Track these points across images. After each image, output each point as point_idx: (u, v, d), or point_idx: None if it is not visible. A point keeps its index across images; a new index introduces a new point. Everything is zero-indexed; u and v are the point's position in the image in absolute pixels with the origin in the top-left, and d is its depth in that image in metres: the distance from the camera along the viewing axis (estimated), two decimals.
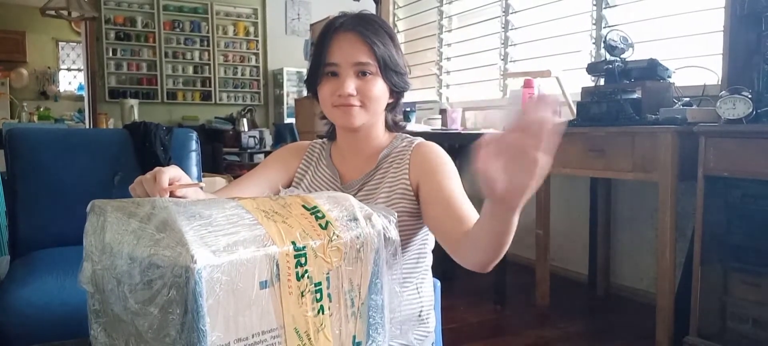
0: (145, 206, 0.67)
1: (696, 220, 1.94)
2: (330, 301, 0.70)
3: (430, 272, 1.12)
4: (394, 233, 0.77)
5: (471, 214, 0.94)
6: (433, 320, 1.13)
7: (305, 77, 1.11)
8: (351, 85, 1.00)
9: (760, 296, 1.80)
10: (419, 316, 1.08)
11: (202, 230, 0.63)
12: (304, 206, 0.73)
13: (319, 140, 1.20)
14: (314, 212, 0.72)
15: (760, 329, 1.80)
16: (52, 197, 2.01)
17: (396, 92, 1.08)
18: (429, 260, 1.11)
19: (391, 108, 1.11)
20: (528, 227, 3.16)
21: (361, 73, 1.01)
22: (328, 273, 0.69)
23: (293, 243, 0.67)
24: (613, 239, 2.89)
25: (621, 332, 2.46)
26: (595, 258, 2.88)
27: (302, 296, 0.67)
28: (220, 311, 0.60)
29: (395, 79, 1.04)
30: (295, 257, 0.66)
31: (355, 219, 0.74)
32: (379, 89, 1.02)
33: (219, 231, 0.64)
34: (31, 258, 1.85)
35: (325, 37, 1.03)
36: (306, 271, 0.67)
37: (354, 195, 1.01)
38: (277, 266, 0.64)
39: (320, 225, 0.71)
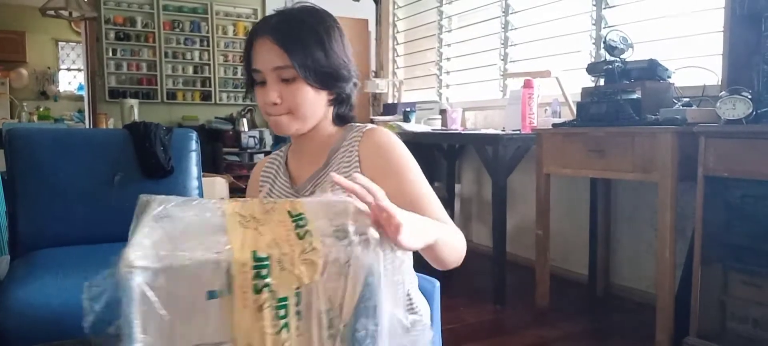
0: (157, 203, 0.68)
1: (696, 220, 1.94)
2: (299, 319, 0.63)
3: (409, 254, 1.07)
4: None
5: (435, 212, 0.96)
6: (426, 311, 1.11)
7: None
8: (273, 94, 0.97)
9: (760, 296, 1.80)
10: (409, 305, 1.06)
11: (162, 231, 0.63)
12: (289, 212, 0.68)
13: (282, 149, 1.19)
14: (297, 219, 0.67)
15: (760, 329, 1.80)
16: (52, 197, 2.01)
17: (332, 91, 1.03)
18: None
19: (337, 102, 1.06)
20: (528, 227, 3.16)
21: (286, 79, 0.97)
22: (297, 289, 0.63)
23: (254, 253, 0.61)
24: (613, 239, 2.89)
25: (621, 332, 2.46)
26: (595, 258, 2.88)
27: (260, 310, 0.61)
28: (154, 318, 0.59)
29: (324, 79, 0.99)
30: (254, 268, 0.61)
31: (345, 231, 0.65)
32: (305, 93, 0.98)
33: (180, 235, 0.62)
34: (31, 258, 1.85)
35: (247, 44, 1.01)
36: (267, 284, 0.61)
37: (307, 196, 1.00)
38: (230, 276, 0.60)
39: (298, 235, 0.64)
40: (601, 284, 2.87)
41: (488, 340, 2.37)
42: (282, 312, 0.62)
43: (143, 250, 0.60)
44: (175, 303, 0.59)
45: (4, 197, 2.21)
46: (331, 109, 1.06)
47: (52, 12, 4.19)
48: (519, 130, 2.89)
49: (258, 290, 0.61)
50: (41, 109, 7.02)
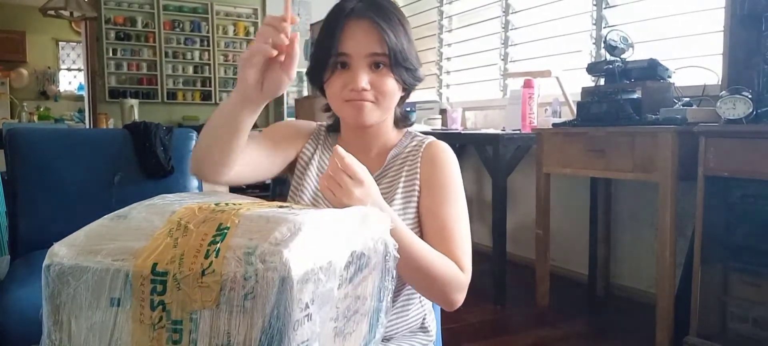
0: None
1: (696, 220, 1.94)
2: None
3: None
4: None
5: (452, 247, 0.91)
6: (434, 327, 1.12)
7: (307, 69, 0.98)
8: (365, 79, 0.90)
9: (760, 296, 1.80)
10: (422, 325, 1.07)
11: (104, 230, 0.63)
12: (219, 224, 0.62)
13: (324, 126, 1.11)
14: (221, 231, 0.61)
15: (760, 329, 1.80)
16: (52, 197, 2.01)
17: (406, 87, 1.00)
18: None
19: (400, 102, 1.03)
20: (528, 227, 3.16)
21: (375, 66, 0.92)
22: (193, 314, 0.57)
23: (154, 265, 0.58)
24: (613, 239, 2.89)
25: (621, 332, 2.46)
26: (595, 258, 2.87)
27: (154, 328, 0.57)
28: (65, 315, 0.60)
29: (405, 75, 0.95)
30: (152, 282, 0.58)
31: (251, 254, 0.57)
32: (390, 84, 0.93)
33: (114, 236, 0.62)
34: (31, 258, 1.85)
35: (334, 24, 0.91)
36: (162, 301, 0.57)
37: None
38: (129, 285, 0.58)
39: (207, 251, 0.58)
40: (601, 284, 2.87)
41: (488, 340, 2.37)
42: (177, 336, 0.57)
43: (71, 246, 0.61)
44: (83, 304, 0.59)
45: (4, 197, 2.22)
46: (396, 108, 1.03)
47: (52, 12, 4.19)
48: (519, 129, 2.89)
49: (154, 307, 0.57)
50: (41, 109, 7.03)
